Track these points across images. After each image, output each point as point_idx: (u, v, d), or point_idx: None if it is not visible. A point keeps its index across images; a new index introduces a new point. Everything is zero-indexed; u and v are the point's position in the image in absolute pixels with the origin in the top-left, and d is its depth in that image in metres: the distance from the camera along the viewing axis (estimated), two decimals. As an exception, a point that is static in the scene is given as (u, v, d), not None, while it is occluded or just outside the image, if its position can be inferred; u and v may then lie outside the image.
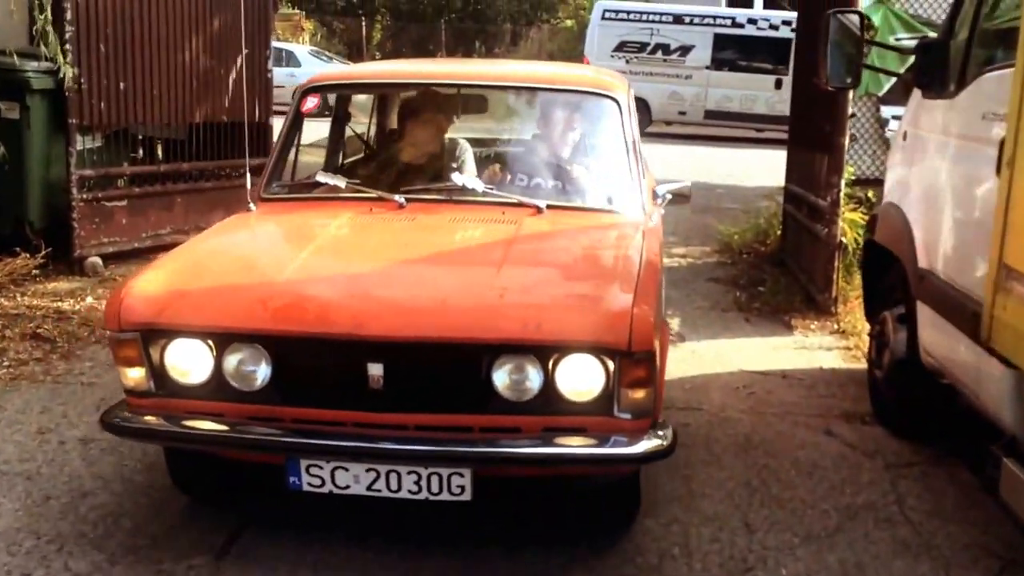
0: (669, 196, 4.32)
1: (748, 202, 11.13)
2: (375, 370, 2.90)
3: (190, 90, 7.97)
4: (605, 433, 2.92)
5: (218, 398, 3.04)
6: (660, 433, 2.98)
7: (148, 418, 3.07)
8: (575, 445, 2.91)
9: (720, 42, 20.32)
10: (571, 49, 24.75)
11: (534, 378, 2.91)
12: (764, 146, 19.51)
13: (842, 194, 6.14)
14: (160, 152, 8.09)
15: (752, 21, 20.31)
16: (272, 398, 3.00)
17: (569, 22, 28.40)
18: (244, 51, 8.50)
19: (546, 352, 2.88)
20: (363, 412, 2.96)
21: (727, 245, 8.43)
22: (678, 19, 20.37)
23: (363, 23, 30.72)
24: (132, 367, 3.06)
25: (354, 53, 29.95)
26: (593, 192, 4.13)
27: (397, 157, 4.46)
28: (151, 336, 3.02)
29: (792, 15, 21.62)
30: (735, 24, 20.30)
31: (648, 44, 20.22)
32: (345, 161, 4.84)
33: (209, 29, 8.10)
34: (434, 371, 2.94)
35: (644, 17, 20.43)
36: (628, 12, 20.62)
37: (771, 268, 7.63)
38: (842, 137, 6.09)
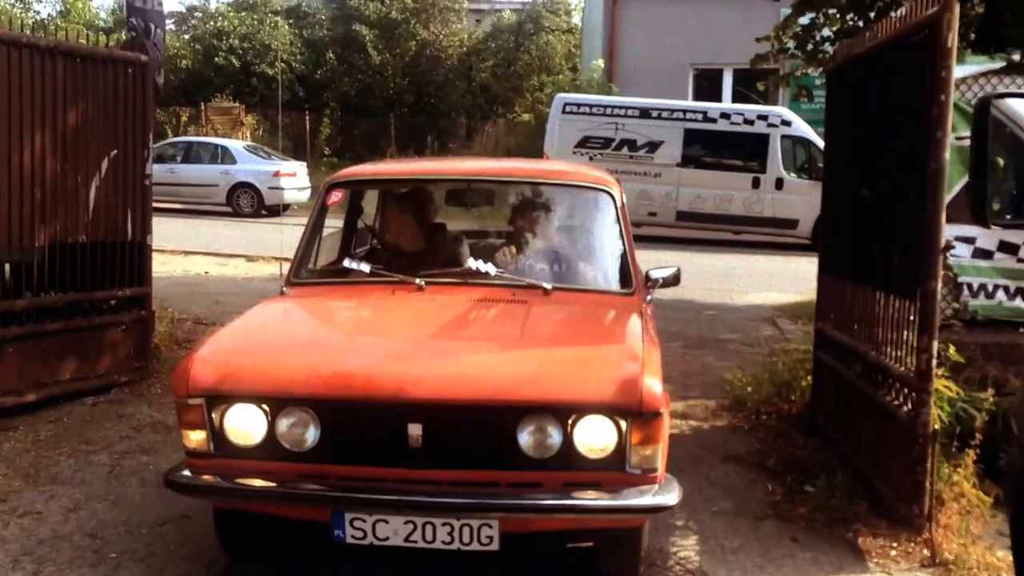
0: (660, 280, 4.64)
1: (746, 331, 9.34)
2: (415, 430, 3.30)
3: (32, 202, 6.02)
4: (618, 486, 3.32)
5: (270, 458, 3.41)
6: (667, 487, 3.39)
7: (207, 477, 3.47)
8: (591, 498, 3.31)
9: (691, 138, 18.77)
10: (529, 144, 23.20)
11: (555, 437, 3.31)
12: (743, 250, 17.92)
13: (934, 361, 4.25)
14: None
15: (725, 116, 18.81)
16: (320, 458, 3.40)
17: (526, 116, 26.95)
18: (112, 152, 6.59)
19: (565, 413, 3.30)
20: (402, 469, 3.35)
21: (739, 400, 6.52)
22: (645, 113, 18.84)
23: (307, 117, 29.02)
24: (195, 430, 3.45)
25: (299, 148, 28.22)
26: (593, 275, 4.59)
27: (409, 246, 4.88)
28: (214, 402, 3.42)
29: (769, 109, 20.36)
30: (707, 119, 18.80)
31: (613, 139, 18.62)
32: (360, 250, 5.24)
33: (62, 123, 6.18)
34: (466, 431, 3.33)
35: (608, 111, 18.89)
36: (591, 106, 19.07)
37: (804, 439, 5.72)
38: (933, 281, 4.22)
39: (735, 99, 22.88)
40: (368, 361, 3.52)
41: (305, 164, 22.46)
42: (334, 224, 5.12)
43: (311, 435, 3.38)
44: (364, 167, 5.43)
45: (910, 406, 4.30)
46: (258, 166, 20.63)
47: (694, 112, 18.95)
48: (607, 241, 4.63)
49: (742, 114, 18.85)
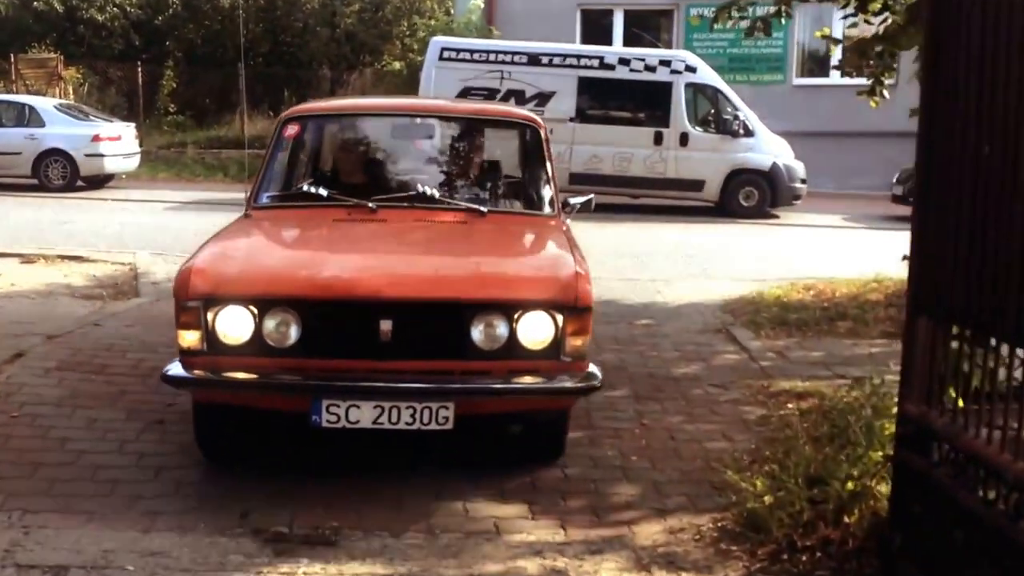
0: (578, 205, 5.41)
1: (702, 354, 6.97)
2: (385, 326, 3.85)
3: None
4: (553, 373, 3.98)
5: (256, 355, 3.92)
6: (593, 373, 4.09)
7: (199, 372, 3.98)
8: (532, 382, 3.98)
9: (586, 87, 16.29)
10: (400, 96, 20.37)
11: (502, 331, 3.92)
12: (643, 217, 15.60)
13: None
14: None
15: (624, 61, 16.36)
16: (299, 353, 3.93)
17: (397, 65, 23.94)
18: None
19: (512, 310, 3.92)
20: (372, 361, 3.92)
21: (754, 521, 4.03)
22: (534, 59, 16.23)
23: (139, 71, 25.19)
24: (190, 331, 3.93)
25: (134, 106, 24.56)
26: (522, 200, 5.37)
27: (358, 174, 5.55)
28: (209, 305, 3.90)
29: (672, 53, 17.96)
30: (603, 65, 16.32)
31: (498, 91, 15.95)
32: (310, 179, 5.50)
33: None
34: (428, 326, 3.93)
35: (492, 57, 16.20)
36: (472, 51, 16.34)
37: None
38: None
39: (628, 43, 20.43)
40: (345, 268, 4.21)
41: (134, 125, 19.02)
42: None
43: (293, 333, 3.90)
44: (317, 103, 6.26)
45: None
46: (72, 129, 17.07)
47: (589, 58, 16.44)
48: (534, 171, 5.31)
49: (643, 59, 16.44)
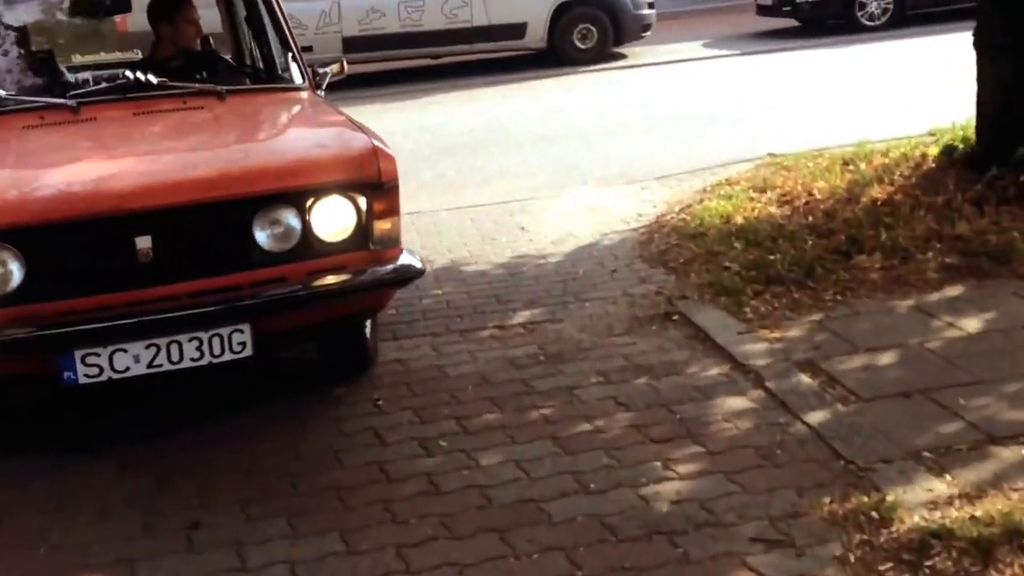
0: (329, 72, 4.38)
1: (649, 378, 3.08)
2: (143, 243, 3.02)
3: None
4: (362, 266, 3.26)
5: None
6: (411, 256, 3.40)
7: None
8: (341, 280, 3.22)
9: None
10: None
11: (293, 224, 3.18)
12: (455, 83, 11.37)
13: None
14: None
15: None
16: (27, 298, 3.00)
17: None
18: None
19: (301, 198, 3.17)
20: (132, 291, 3.05)
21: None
22: None
23: None
24: None
25: None
26: (264, 73, 4.44)
27: (40, 65, 4.34)
28: None
29: None
30: None
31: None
32: None
33: None
34: (200, 236, 3.12)
35: None
36: None
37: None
38: None
39: None
40: (74, 180, 3.15)
41: None
42: None
43: (16, 273, 3.00)
44: None
45: None
46: None
47: None
48: (267, 38, 4.46)
49: None
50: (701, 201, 5.65)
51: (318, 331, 3.59)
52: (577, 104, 9.58)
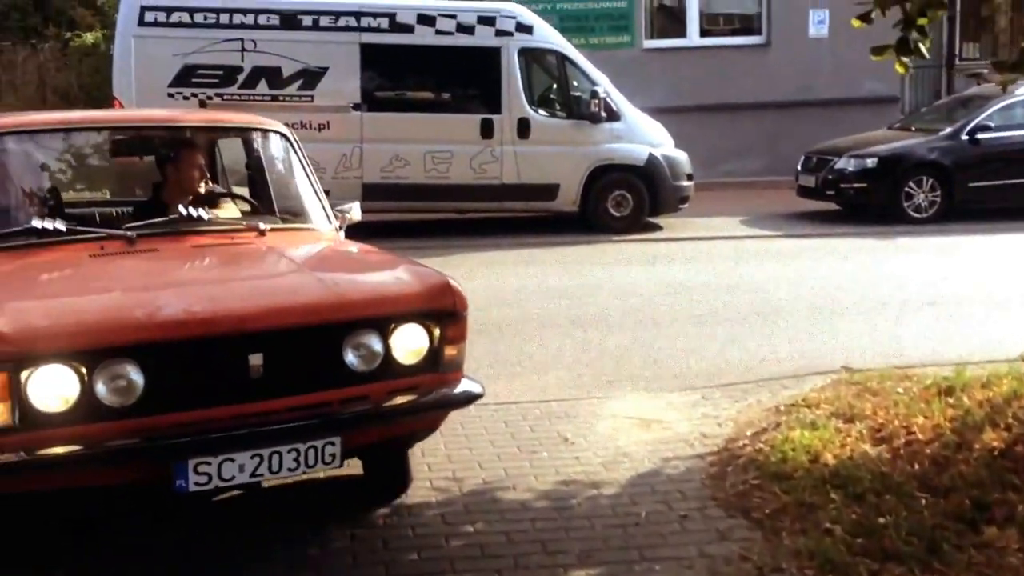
0: (348, 213, 4.70)
1: None
2: (255, 360, 3.25)
3: None
4: (432, 387, 3.56)
5: (87, 421, 3.09)
6: (472, 382, 3.72)
7: (8, 455, 3.00)
8: (412, 400, 3.52)
9: (374, 59, 11.13)
10: (101, 84, 14.40)
11: (377, 348, 3.46)
12: (483, 241, 10.65)
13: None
14: None
15: (427, 20, 11.25)
16: (146, 411, 3.14)
17: (91, 38, 17.47)
18: None
19: (386, 324, 3.48)
20: (238, 405, 3.27)
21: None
22: (290, 21, 10.90)
23: None
24: None
25: None
26: (298, 215, 4.62)
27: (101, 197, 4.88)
28: (20, 368, 3.02)
29: (495, 7, 12.35)
30: (397, 26, 11.18)
31: (239, 69, 10.58)
32: (24, 211, 4.41)
33: None
34: (302, 355, 3.38)
35: (224, 18, 10.72)
36: (192, 9, 10.74)
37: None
38: None
39: None
40: (192, 301, 3.42)
41: None
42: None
43: (137, 387, 3.15)
44: (14, 117, 4.86)
45: None
46: None
47: (375, 15, 11.21)
48: (297, 181, 4.72)
49: (454, 16, 11.36)
50: (777, 426, 4.78)
51: (382, 448, 3.85)
52: (614, 281, 8.81)
